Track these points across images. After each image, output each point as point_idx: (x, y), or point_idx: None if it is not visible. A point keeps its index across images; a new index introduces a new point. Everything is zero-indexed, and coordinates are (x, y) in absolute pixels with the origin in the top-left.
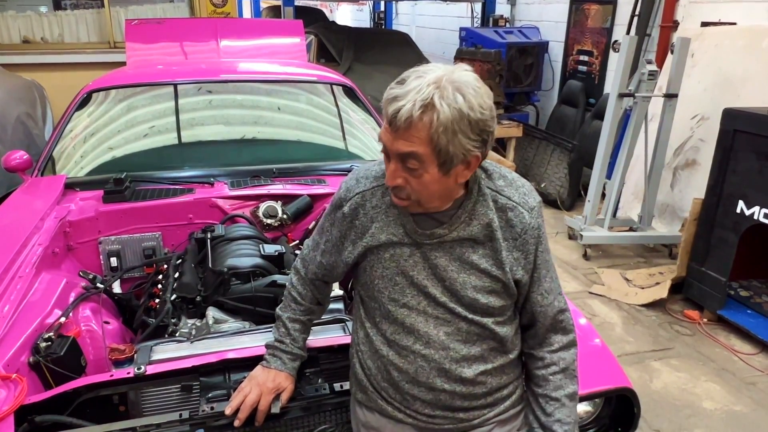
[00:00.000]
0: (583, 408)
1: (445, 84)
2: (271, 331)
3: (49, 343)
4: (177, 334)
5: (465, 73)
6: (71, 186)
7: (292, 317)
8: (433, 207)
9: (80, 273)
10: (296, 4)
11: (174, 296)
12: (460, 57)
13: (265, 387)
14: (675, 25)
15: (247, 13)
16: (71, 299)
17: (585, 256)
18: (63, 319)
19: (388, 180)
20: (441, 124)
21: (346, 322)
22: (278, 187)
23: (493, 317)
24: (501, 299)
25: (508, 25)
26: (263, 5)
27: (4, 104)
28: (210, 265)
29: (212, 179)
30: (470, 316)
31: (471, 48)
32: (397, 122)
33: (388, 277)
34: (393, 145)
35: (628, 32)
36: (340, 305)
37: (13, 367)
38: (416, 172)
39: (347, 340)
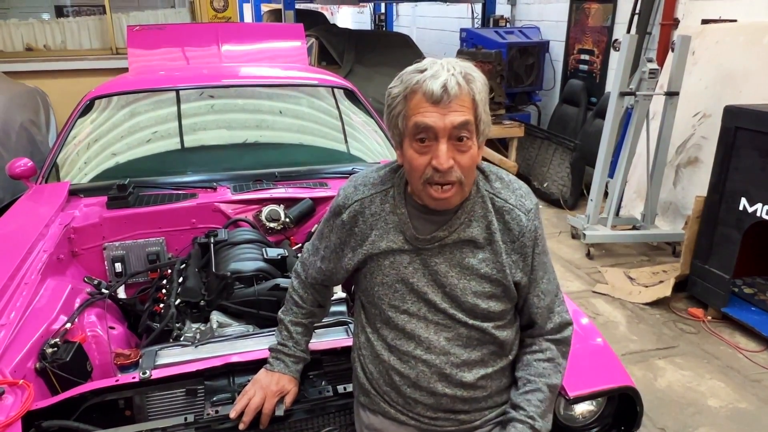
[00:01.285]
0: (585, 407)
1: (460, 62)
2: (274, 334)
3: (55, 348)
4: (181, 339)
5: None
6: (75, 192)
7: (294, 320)
8: (469, 189)
9: (85, 279)
10: (297, 7)
11: (178, 301)
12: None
13: (268, 390)
14: (675, 22)
15: (248, 17)
16: (76, 305)
17: (588, 255)
18: (69, 325)
19: (443, 161)
20: (479, 91)
21: (349, 325)
22: (281, 191)
23: (493, 322)
24: (501, 303)
25: (508, 25)
26: (264, 9)
27: (8, 112)
28: (213, 270)
29: (215, 184)
30: (470, 321)
31: (471, 49)
32: (449, 92)
33: (388, 284)
34: (446, 120)
35: (628, 31)
36: (342, 308)
37: (20, 373)
38: (466, 144)
39: (350, 342)
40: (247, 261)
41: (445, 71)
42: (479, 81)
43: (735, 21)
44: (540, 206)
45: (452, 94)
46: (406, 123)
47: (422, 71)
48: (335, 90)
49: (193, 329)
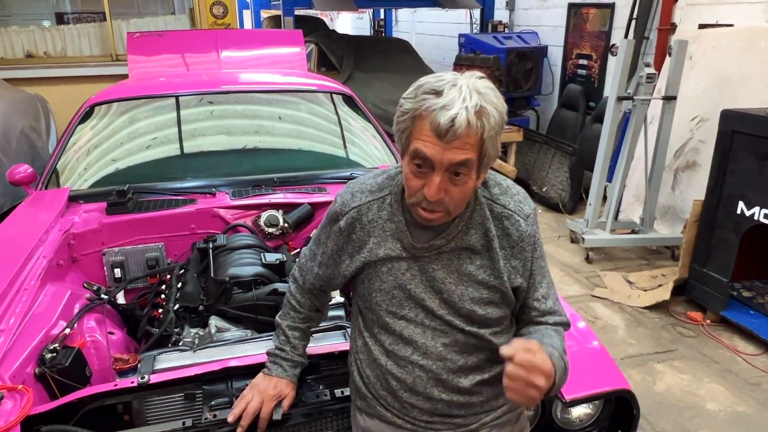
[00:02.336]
0: (582, 410)
1: (481, 89)
2: (272, 338)
3: (55, 354)
4: (180, 343)
5: (483, 79)
6: (75, 198)
7: (291, 325)
8: (457, 214)
9: (84, 284)
10: (296, 13)
11: (177, 306)
12: (459, 63)
13: (266, 394)
14: (673, 27)
15: (247, 23)
16: (76, 310)
17: (587, 259)
18: (68, 331)
19: (434, 195)
20: (492, 127)
21: (347, 329)
22: (279, 196)
23: (490, 328)
24: (499, 309)
25: (506, 30)
26: (264, 15)
27: (9, 118)
28: (212, 275)
29: (214, 189)
30: (467, 327)
31: (470, 54)
32: (456, 130)
33: (385, 290)
34: (444, 156)
35: (626, 35)
36: (341, 312)
37: (19, 378)
38: (462, 179)
39: (347, 346)
40: (245, 266)
41: (459, 101)
42: (493, 115)
43: (732, 25)
44: (539, 211)
45: (458, 132)
46: (408, 143)
47: (438, 94)
48: (334, 96)
49: (192, 334)
